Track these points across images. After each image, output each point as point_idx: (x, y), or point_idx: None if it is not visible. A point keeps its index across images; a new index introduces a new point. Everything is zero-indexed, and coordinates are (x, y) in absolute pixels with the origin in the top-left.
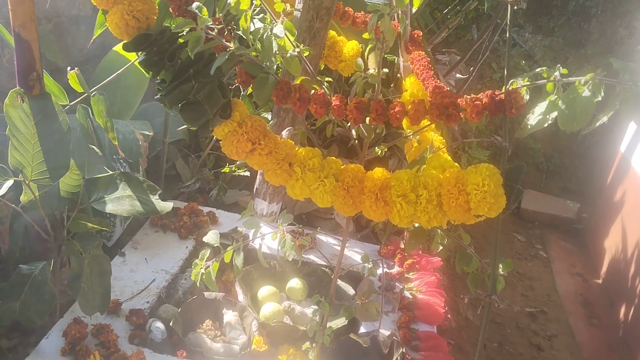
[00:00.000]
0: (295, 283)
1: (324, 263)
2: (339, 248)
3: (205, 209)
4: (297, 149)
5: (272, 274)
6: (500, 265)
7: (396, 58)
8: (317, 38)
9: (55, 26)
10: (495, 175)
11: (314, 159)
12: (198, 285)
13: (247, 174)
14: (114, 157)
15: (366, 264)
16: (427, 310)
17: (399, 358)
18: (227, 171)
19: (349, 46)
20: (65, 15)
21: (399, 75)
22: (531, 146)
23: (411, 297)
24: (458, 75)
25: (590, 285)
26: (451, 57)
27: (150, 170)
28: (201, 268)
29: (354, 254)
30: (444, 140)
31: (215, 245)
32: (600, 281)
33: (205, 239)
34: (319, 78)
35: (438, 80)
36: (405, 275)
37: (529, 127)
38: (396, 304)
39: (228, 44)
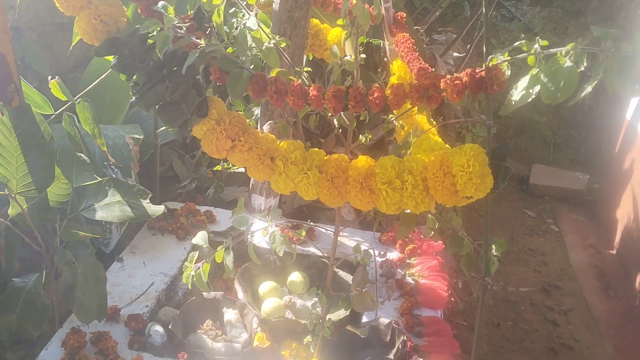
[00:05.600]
0: (295, 277)
1: (324, 255)
2: (339, 239)
3: (203, 208)
4: (278, 142)
5: (272, 269)
6: (494, 246)
7: (382, 42)
8: (298, 28)
9: (40, 36)
10: (481, 155)
11: (296, 152)
12: (190, 287)
13: (243, 170)
14: (105, 163)
15: (358, 254)
16: (429, 295)
17: (400, 346)
18: (220, 169)
19: (333, 33)
20: (49, 23)
21: (385, 59)
22: (537, 120)
23: (413, 282)
24: (455, 54)
25: (604, 256)
26: (447, 35)
27: (145, 174)
28: (191, 270)
29: (355, 243)
30: (434, 122)
31: (205, 246)
32: (614, 252)
33: (194, 240)
34: (297, 69)
35: (423, 62)
36: (407, 261)
37: (513, 103)
38: (391, 291)
39: (198, 41)
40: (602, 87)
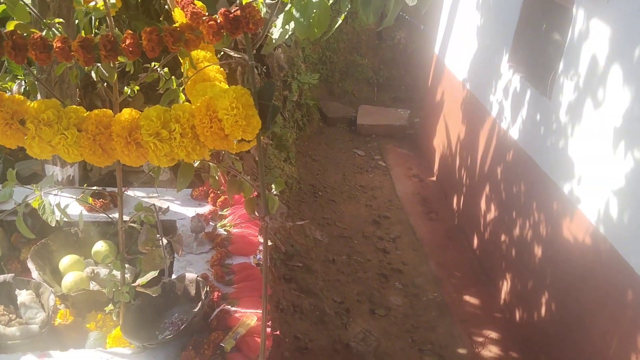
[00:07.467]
0: (100, 246)
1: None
2: (150, 200)
3: None
4: (28, 103)
5: (75, 241)
6: (273, 185)
7: None
8: None
9: None
10: (244, 96)
11: (48, 112)
12: None
13: None
14: None
15: (140, 213)
16: (240, 243)
17: (203, 297)
18: None
19: None
20: None
21: (166, 7)
22: (359, 62)
23: (225, 233)
24: None
25: (426, 184)
26: None
27: None
28: None
29: (166, 202)
30: (221, 69)
31: None
32: (434, 178)
33: None
34: (47, 20)
35: (196, 6)
36: (219, 213)
37: (274, 41)
38: (178, 246)
39: None
40: (414, 24)
